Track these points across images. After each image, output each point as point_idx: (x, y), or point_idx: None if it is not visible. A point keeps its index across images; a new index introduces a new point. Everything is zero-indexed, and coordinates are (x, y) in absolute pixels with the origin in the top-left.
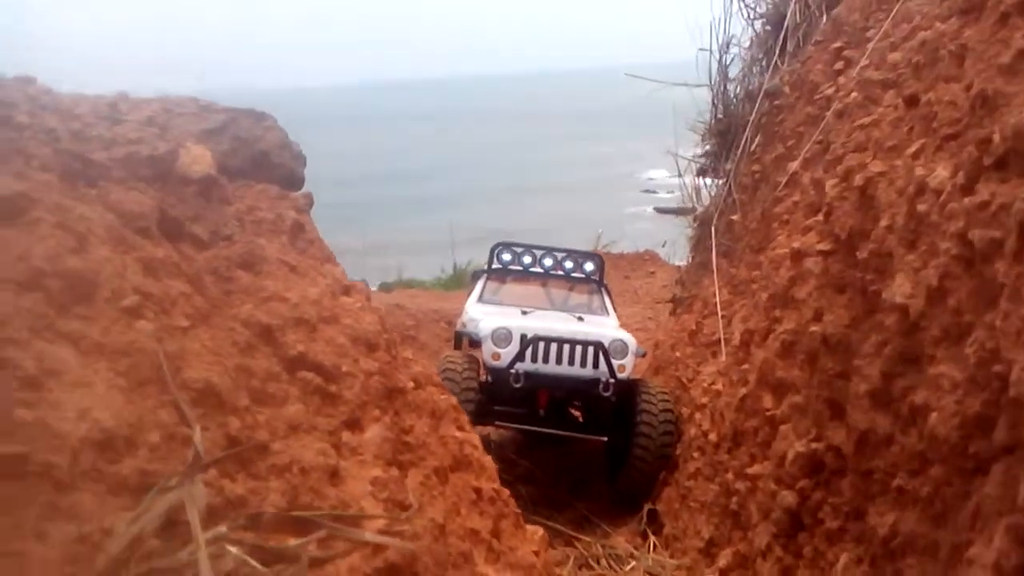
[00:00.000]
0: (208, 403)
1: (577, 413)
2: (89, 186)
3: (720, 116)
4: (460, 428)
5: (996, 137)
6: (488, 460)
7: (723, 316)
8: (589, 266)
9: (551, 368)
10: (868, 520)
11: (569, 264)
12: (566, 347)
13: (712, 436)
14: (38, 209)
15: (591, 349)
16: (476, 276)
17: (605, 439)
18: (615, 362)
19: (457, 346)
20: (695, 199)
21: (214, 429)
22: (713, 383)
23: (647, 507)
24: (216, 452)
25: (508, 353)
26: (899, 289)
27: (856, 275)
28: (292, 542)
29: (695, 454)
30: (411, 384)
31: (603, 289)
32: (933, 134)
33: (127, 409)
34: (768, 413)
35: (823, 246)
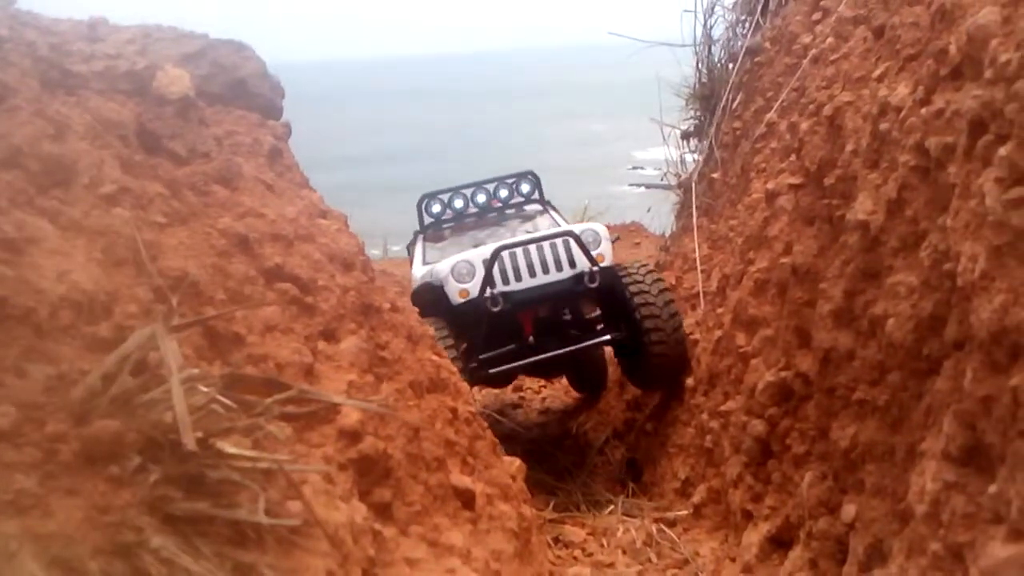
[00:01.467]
0: (184, 291)
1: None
2: (68, 95)
3: (704, 80)
4: (437, 354)
5: (952, 48)
6: (464, 386)
7: (702, 270)
8: (525, 187)
9: (526, 283)
10: (831, 436)
11: (504, 192)
12: (534, 251)
13: (689, 382)
14: (16, 98)
15: (561, 245)
16: (411, 245)
17: (609, 337)
18: (593, 252)
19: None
20: (680, 166)
21: (190, 316)
22: (691, 333)
23: (627, 457)
24: (193, 337)
25: (476, 283)
26: (861, 207)
27: (824, 204)
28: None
29: (673, 402)
30: (387, 306)
31: (548, 206)
32: (896, 56)
33: (105, 280)
34: (741, 350)
35: (794, 180)
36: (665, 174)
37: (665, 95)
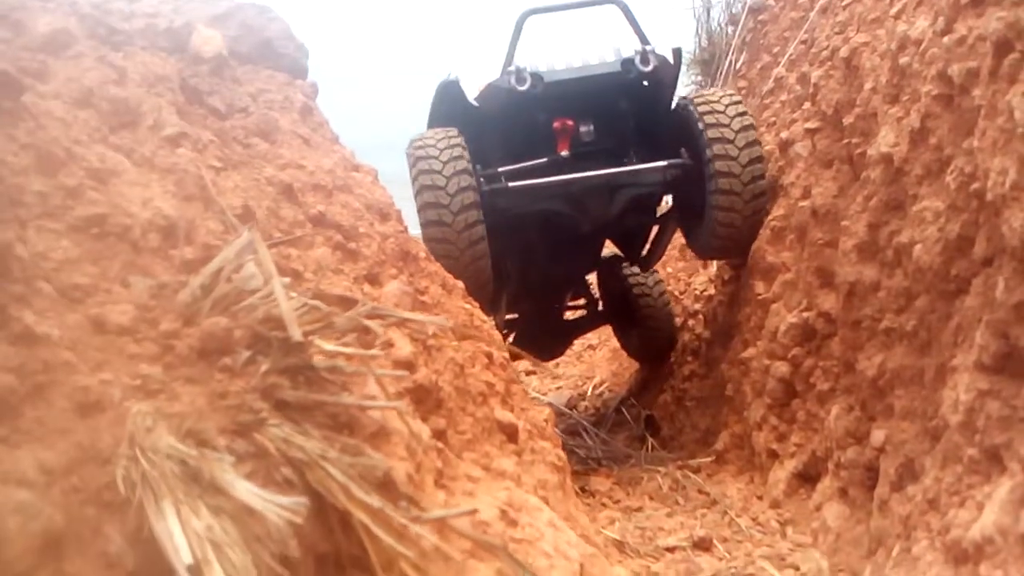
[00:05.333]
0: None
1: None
2: (114, 50)
3: (704, 45)
4: (468, 303)
5: None
6: (497, 335)
7: None
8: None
9: (563, 70)
10: (857, 368)
11: None
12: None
13: (706, 335)
14: (79, 44)
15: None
16: None
17: (665, 163)
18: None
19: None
20: None
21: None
22: (705, 290)
23: (645, 415)
24: None
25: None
26: (883, 140)
27: (842, 145)
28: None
29: (689, 358)
30: (423, 254)
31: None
32: None
33: (182, 210)
34: (760, 298)
35: (810, 125)
36: None
37: None
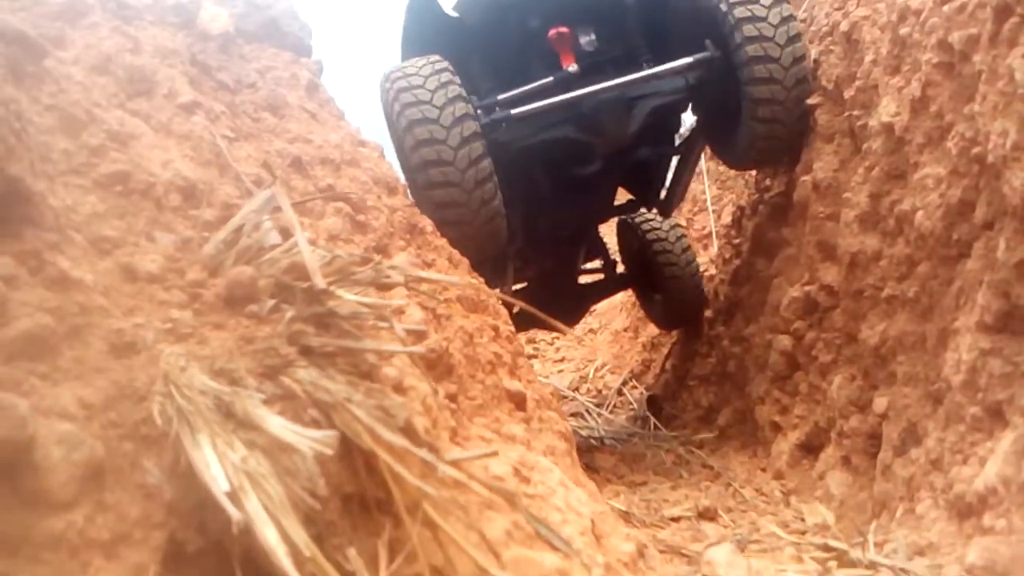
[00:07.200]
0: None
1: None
2: (125, 24)
3: None
4: (474, 277)
5: None
6: (503, 308)
7: (713, 211)
8: None
9: None
10: (860, 337)
11: None
12: None
13: (707, 314)
14: (94, 15)
15: None
16: None
17: (689, 60)
18: None
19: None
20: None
21: None
22: (706, 270)
23: (647, 395)
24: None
25: None
26: (884, 110)
27: (843, 118)
28: None
29: (691, 338)
30: (430, 228)
31: None
32: None
33: (201, 173)
34: (761, 274)
35: (811, 100)
36: None
37: None
